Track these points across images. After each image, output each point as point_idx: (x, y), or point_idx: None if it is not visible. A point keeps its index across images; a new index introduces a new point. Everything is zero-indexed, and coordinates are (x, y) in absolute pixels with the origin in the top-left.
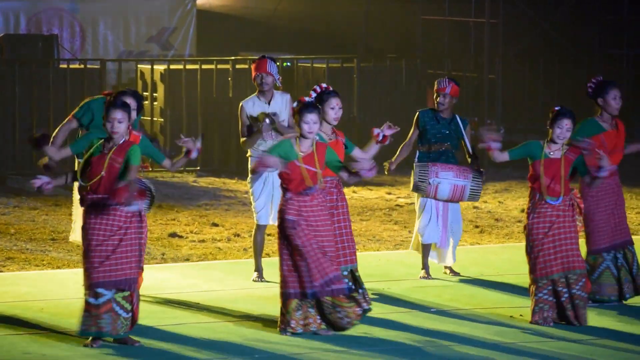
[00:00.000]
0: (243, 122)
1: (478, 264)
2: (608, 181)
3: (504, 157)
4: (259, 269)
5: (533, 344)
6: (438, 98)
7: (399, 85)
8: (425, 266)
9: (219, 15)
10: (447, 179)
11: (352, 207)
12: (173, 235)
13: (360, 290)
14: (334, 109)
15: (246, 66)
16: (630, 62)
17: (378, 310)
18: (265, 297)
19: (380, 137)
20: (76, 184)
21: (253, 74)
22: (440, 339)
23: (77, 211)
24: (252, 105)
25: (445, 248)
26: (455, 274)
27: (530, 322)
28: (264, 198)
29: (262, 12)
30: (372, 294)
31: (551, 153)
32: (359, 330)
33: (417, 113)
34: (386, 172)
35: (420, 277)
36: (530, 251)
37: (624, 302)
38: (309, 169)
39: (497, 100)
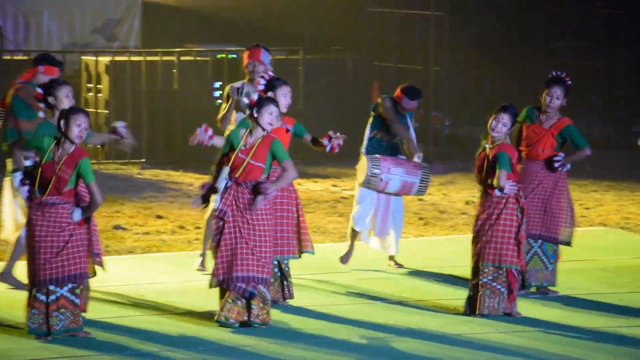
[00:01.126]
0: (224, 101)
1: (422, 256)
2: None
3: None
4: (204, 254)
5: (478, 334)
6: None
7: (344, 78)
8: (350, 250)
9: (164, 7)
10: (397, 175)
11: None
12: (117, 227)
13: (285, 283)
14: (286, 96)
15: (191, 58)
16: (573, 53)
17: (324, 301)
18: (211, 290)
19: (328, 149)
20: (7, 182)
21: (245, 61)
22: (385, 332)
23: (8, 209)
24: (240, 88)
25: (385, 237)
26: (399, 266)
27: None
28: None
29: (207, 4)
30: (316, 284)
31: (488, 146)
32: (304, 323)
33: (385, 99)
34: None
35: (341, 259)
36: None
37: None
38: (244, 159)
39: (443, 93)
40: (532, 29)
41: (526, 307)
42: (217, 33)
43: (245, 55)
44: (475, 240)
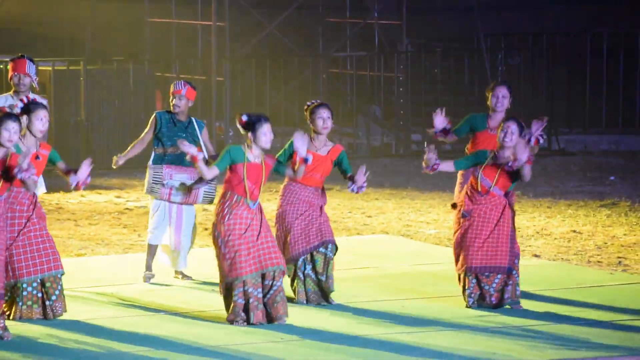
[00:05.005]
0: None
1: (208, 266)
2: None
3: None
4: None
5: (260, 344)
6: (174, 100)
7: (127, 88)
8: (148, 267)
9: None
10: (181, 181)
11: (82, 212)
12: None
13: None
14: (42, 120)
15: None
16: (354, 63)
17: (106, 314)
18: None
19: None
20: None
21: (10, 73)
22: (169, 344)
23: None
24: (4, 102)
25: (178, 251)
26: (186, 277)
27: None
28: None
29: None
30: (100, 297)
31: (254, 158)
32: (84, 339)
33: (154, 114)
34: (114, 166)
35: (145, 278)
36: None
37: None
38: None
39: (225, 103)
40: (313, 39)
41: (309, 317)
42: None
43: (10, 66)
44: (237, 249)
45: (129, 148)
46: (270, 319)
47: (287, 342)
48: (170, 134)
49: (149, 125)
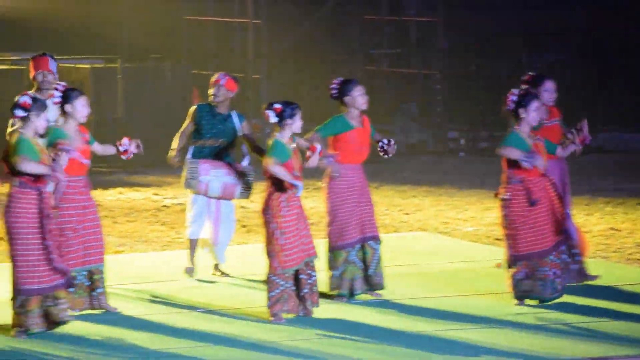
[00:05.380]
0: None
1: (246, 264)
2: (352, 176)
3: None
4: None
5: (298, 342)
6: (212, 90)
7: (163, 86)
8: (190, 261)
9: None
10: (218, 176)
11: (119, 209)
12: None
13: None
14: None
15: (5, 67)
16: (390, 60)
17: (144, 311)
18: None
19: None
20: None
21: (32, 71)
22: (207, 341)
23: None
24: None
25: (217, 246)
26: (224, 274)
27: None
28: None
29: (22, 12)
30: (138, 294)
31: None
32: (123, 333)
33: (195, 106)
34: (174, 165)
35: (186, 272)
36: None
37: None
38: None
39: (262, 100)
40: (349, 37)
41: (346, 313)
42: (31, 41)
43: (32, 65)
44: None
45: (174, 143)
46: (304, 309)
47: (328, 339)
48: (209, 126)
49: (188, 117)
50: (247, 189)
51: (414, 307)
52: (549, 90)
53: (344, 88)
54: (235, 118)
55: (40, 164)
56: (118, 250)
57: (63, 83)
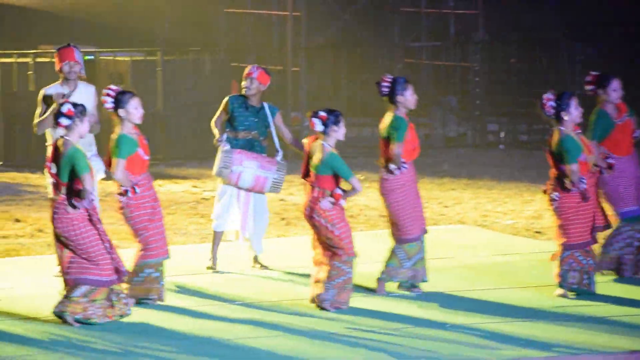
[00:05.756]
0: (39, 105)
1: (284, 257)
2: (411, 174)
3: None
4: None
5: (345, 332)
6: (244, 82)
7: (202, 79)
8: (213, 256)
9: (17, 8)
10: (250, 168)
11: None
12: None
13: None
14: (137, 108)
15: (47, 59)
16: (429, 53)
17: (183, 303)
18: None
19: None
20: None
21: (58, 63)
22: (246, 333)
23: None
24: (54, 91)
25: (251, 237)
26: (263, 267)
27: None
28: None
29: (62, 5)
30: (177, 287)
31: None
32: (166, 323)
33: (227, 98)
34: (224, 148)
35: (209, 267)
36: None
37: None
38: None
39: (301, 93)
40: (388, 29)
41: (383, 305)
42: (72, 34)
43: (57, 56)
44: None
45: (215, 131)
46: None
47: (368, 332)
48: (241, 118)
49: (220, 108)
50: (278, 184)
51: (453, 299)
52: (616, 89)
53: (397, 87)
54: (267, 110)
55: (89, 178)
56: None
57: (114, 87)
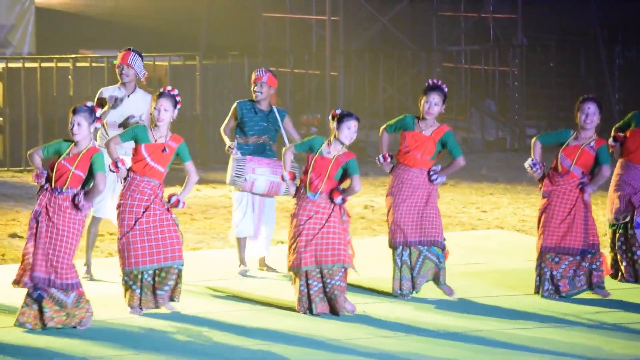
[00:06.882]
0: (97, 104)
1: None
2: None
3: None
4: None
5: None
6: (255, 87)
7: (241, 83)
8: (242, 261)
9: (58, 13)
10: (263, 175)
11: (197, 205)
12: (13, 235)
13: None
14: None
15: (87, 64)
16: (468, 57)
17: (222, 307)
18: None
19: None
20: None
21: (117, 65)
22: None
23: None
24: (111, 92)
25: (256, 239)
26: (271, 269)
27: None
28: None
29: (102, 9)
30: (212, 290)
31: (327, 152)
32: (203, 332)
33: (235, 103)
34: (235, 155)
35: (239, 272)
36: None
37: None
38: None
39: (339, 97)
40: (427, 33)
41: (420, 310)
42: (112, 38)
43: (118, 59)
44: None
45: (226, 139)
46: (333, 311)
47: (396, 338)
48: (251, 123)
49: (229, 114)
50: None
51: (489, 305)
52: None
53: None
54: (276, 113)
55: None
56: (195, 247)
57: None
